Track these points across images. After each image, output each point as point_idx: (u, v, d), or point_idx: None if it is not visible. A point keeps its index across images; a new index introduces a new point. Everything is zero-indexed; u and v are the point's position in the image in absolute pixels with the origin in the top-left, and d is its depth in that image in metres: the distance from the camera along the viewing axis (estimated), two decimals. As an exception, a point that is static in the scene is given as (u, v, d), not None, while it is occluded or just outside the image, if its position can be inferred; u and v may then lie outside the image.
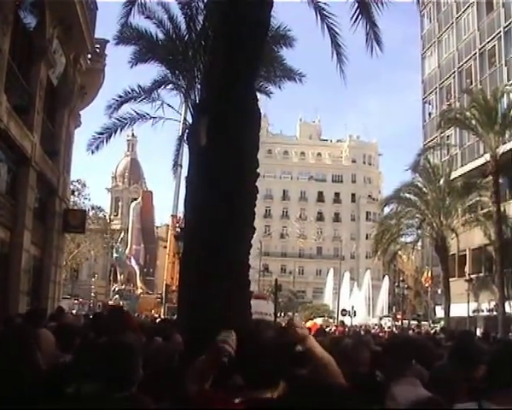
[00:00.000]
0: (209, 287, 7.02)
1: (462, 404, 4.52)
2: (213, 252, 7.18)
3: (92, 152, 27.05)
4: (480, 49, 52.99)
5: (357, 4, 14.21)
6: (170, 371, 5.44)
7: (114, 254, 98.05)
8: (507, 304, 42.23)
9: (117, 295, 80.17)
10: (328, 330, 30.32)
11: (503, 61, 49.00)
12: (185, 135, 26.73)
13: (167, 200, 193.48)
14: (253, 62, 8.00)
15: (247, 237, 7.75)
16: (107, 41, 28.53)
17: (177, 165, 33.99)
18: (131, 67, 26.48)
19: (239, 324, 5.73)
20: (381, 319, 75.50)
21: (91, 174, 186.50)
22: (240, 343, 3.64)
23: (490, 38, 51.30)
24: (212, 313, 6.69)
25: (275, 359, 3.47)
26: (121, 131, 27.11)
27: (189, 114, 25.52)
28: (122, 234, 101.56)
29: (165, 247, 72.70)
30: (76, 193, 62.60)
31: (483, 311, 49.08)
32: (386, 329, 51.56)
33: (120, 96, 26.72)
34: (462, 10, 56.78)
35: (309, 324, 38.02)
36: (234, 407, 3.42)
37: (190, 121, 23.36)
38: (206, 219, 7.53)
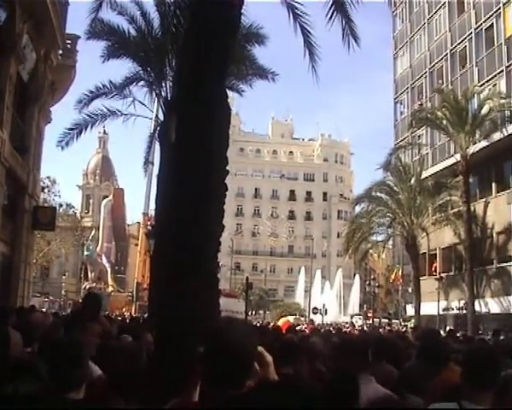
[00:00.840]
0: (178, 285, 6.99)
1: (441, 404, 4.55)
2: (182, 250, 7.15)
3: (62, 148, 26.83)
4: (451, 50, 53.31)
5: (331, 1, 14.21)
6: (136, 371, 5.38)
7: (85, 252, 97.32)
8: (476, 302, 42.64)
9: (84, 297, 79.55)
10: (299, 328, 30.31)
11: (474, 62, 49.34)
12: (156, 132, 26.68)
13: (139, 198, 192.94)
14: (222, 61, 7.98)
15: (216, 234, 7.71)
16: (79, 37, 28.28)
17: (148, 162, 33.87)
18: (103, 62, 26.28)
19: (207, 322, 5.69)
20: (352, 317, 75.75)
21: (62, 171, 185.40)
22: (205, 342, 3.59)
23: (461, 40, 51.62)
24: (180, 312, 6.66)
25: (240, 358, 3.42)
26: (92, 127, 26.94)
27: (160, 111, 25.40)
28: (93, 232, 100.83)
29: (137, 245, 72.57)
30: (46, 190, 62.14)
31: (453, 309, 49.45)
32: (357, 327, 51.74)
33: (91, 92, 26.53)
34: (434, 11, 57.05)
35: (281, 321, 38.16)
36: None
37: (162, 119, 23.29)
38: (175, 217, 7.50)
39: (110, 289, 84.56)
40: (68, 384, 4.37)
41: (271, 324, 41.89)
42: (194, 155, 7.36)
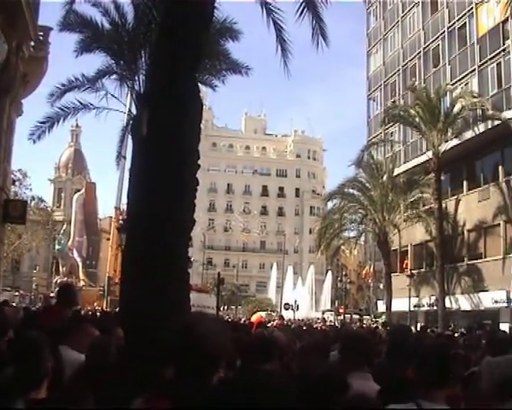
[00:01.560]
0: (148, 280, 6.96)
1: (399, 405, 4.55)
2: (153, 244, 7.12)
3: (34, 141, 26.53)
4: (424, 49, 53.60)
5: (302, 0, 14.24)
6: (106, 365, 5.34)
7: (56, 246, 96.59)
8: (447, 299, 42.99)
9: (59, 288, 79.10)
10: (270, 324, 30.37)
11: (447, 61, 49.66)
12: (129, 126, 26.52)
13: (111, 192, 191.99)
14: (194, 55, 7.95)
15: (187, 229, 7.68)
16: (51, 29, 28.05)
17: (120, 156, 33.66)
18: (76, 56, 26.05)
19: (178, 317, 5.66)
20: (323, 313, 75.99)
21: (34, 165, 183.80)
22: (175, 337, 3.57)
23: (434, 38, 51.93)
24: (150, 307, 6.64)
25: (209, 353, 3.41)
26: (64, 120, 26.66)
27: (133, 105, 25.25)
28: (65, 226, 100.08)
29: (109, 239, 72.10)
30: (17, 183, 61.57)
31: (424, 305, 49.81)
32: (328, 323, 51.91)
33: (63, 85, 26.26)
34: (408, 9, 57.33)
35: (254, 317, 38.19)
36: None
37: (135, 113, 23.15)
38: (146, 212, 7.46)
39: (81, 283, 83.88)
40: (27, 383, 4.28)
41: (243, 319, 41.94)
42: (165, 149, 7.33)
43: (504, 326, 33.43)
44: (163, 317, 6.16)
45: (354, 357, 5.71)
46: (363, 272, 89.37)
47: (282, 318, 43.01)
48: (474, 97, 42.79)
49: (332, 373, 4.34)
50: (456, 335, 21.59)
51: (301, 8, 14.21)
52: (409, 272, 49.98)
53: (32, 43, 27.40)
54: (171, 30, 8.14)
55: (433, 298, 46.12)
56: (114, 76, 26.73)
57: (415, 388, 4.63)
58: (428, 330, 29.62)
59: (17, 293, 65.81)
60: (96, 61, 27.16)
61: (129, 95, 26.79)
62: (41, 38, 28.26)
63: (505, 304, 40.85)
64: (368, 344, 6.07)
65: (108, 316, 15.57)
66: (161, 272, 6.95)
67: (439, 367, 4.50)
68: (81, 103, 26.36)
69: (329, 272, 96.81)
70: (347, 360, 5.78)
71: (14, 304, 39.06)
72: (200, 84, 31.63)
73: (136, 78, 24.09)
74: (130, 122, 25.15)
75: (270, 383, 2.46)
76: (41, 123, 26.29)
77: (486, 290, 43.20)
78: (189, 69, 7.74)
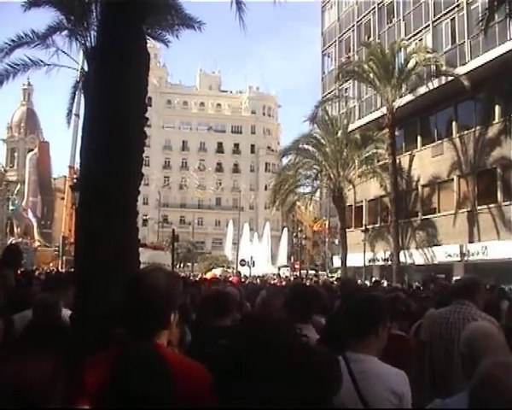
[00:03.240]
0: (99, 238, 6.88)
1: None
2: (101, 201, 7.03)
3: (-17, 98, 26.09)
4: (378, 4, 53.51)
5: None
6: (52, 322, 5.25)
7: (10, 207, 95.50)
8: (401, 253, 43.51)
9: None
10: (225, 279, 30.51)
11: (401, 17, 49.70)
12: (81, 83, 26.17)
13: (65, 151, 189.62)
14: (139, 6, 7.77)
15: (135, 182, 7.60)
16: (-1, -17, 27.40)
17: (71, 114, 33.28)
18: (24, 10, 25.53)
19: (128, 272, 5.61)
20: (279, 269, 76.46)
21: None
22: (125, 291, 3.48)
23: (388, -7, 51.94)
24: (101, 266, 6.57)
25: (160, 304, 3.34)
26: (14, 77, 26.28)
27: (86, 62, 24.86)
28: (18, 186, 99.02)
29: (63, 198, 71.58)
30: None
31: (379, 260, 50.37)
32: (283, 278, 52.24)
33: (13, 41, 25.77)
34: (362, -36, 57.12)
35: (209, 275, 38.33)
36: None
37: (87, 70, 22.79)
38: (95, 168, 7.36)
39: (36, 243, 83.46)
40: None
41: (199, 276, 42.02)
42: (110, 103, 7.20)
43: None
44: (113, 275, 6.10)
45: (297, 308, 5.85)
46: (317, 226, 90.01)
47: (239, 274, 43.23)
48: (428, 53, 42.91)
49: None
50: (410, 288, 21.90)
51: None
52: (364, 228, 50.40)
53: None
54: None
55: (388, 253, 46.63)
56: (66, 32, 26.30)
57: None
58: (385, 284, 30.12)
59: (-31, 254, 64.96)
60: (47, 17, 26.57)
61: (81, 51, 26.38)
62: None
63: (458, 258, 41.51)
64: (310, 296, 6.19)
65: (58, 276, 15.44)
66: (111, 228, 6.86)
67: (358, 319, 4.56)
68: (31, 60, 25.94)
69: (285, 229, 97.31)
70: (291, 311, 5.90)
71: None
72: (153, 41, 31.43)
73: (88, 34, 23.68)
74: (82, 79, 24.82)
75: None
76: (-11, 80, 25.82)
77: (440, 245, 43.84)
78: (134, 20, 7.58)
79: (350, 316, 4.68)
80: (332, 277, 50.39)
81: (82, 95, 27.76)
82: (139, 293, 3.32)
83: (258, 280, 40.55)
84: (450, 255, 42.33)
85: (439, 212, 45.06)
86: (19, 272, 12.24)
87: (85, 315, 5.80)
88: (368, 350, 4.46)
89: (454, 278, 29.34)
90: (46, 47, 25.94)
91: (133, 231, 7.65)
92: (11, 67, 25.88)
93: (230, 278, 32.43)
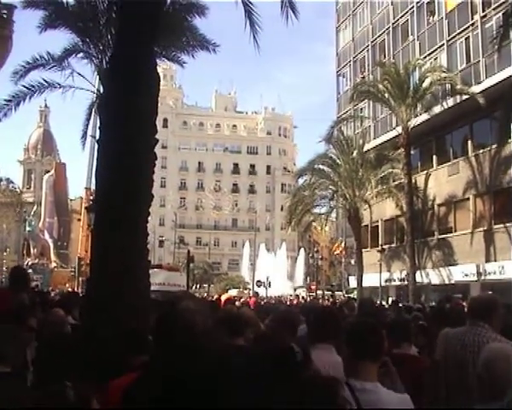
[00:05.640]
0: (110, 259, 6.89)
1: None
2: (112, 222, 7.05)
3: (0, 119, 26.26)
4: (393, 24, 53.56)
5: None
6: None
7: (27, 228, 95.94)
8: (417, 273, 43.25)
9: (30, 270, 78.58)
10: (241, 301, 30.44)
11: (416, 36, 49.70)
12: (95, 105, 26.32)
13: (82, 172, 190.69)
14: (150, 27, 7.82)
15: (146, 203, 7.62)
16: (15, 7, 27.65)
17: (86, 135, 33.42)
18: (40, 32, 25.71)
19: (139, 294, 5.63)
20: (295, 289, 76.22)
21: (4, 148, 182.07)
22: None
23: (403, 13, 51.89)
24: (111, 286, 6.58)
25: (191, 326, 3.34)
26: (30, 99, 26.34)
27: (101, 83, 24.97)
28: (35, 207, 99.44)
29: (79, 220, 71.80)
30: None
31: (395, 280, 50.12)
32: (301, 299, 52.12)
33: (28, 63, 25.96)
34: (376, -16, 57.23)
35: (224, 296, 38.19)
36: None
37: (102, 91, 22.89)
38: (107, 189, 7.38)
39: (53, 264, 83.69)
40: None
41: (215, 297, 41.94)
42: (121, 124, 7.24)
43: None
44: (123, 294, 6.10)
45: (318, 330, 5.74)
46: (334, 247, 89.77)
47: (256, 294, 43.12)
48: (443, 72, 42.85)
49: (291, 346, 4.31)
50: (426, 308, 21.72)
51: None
52: (380, 248, 50.21)
53: (-4, 22, 26.97)
54: (126, 3, 8.04)
55: (404, 273, 46.36)
56: (81, 54, 26.49)
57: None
58: (400, 305, 29.93)
59: (-13, 275, 65.23)
60: (64, 40, 26.77)
61: (96, 73, 26.54)
62: (4, 16, 27.79)
63: (475, 277, 41.21)
64: (332, 318, 6.07)
65: (72, 295, 15.49)
66: (121, 249, 6.87)
67: (361, 342, 4.48)
68: (47, 82, 26.08)
69: (302, 249, 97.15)
70: (312, 334, 5.81)
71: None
72: (168, 62, 31.55)
73: (103, 56, 23.81)
74: (97, 101, 24.96)
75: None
76: (6, 102, 25.98)
77: (456, 264, 43.55)
78: (145, 42, 7.63)
79: (351, 341, 4.62)
80: (349, 297, 50.16)
81: (97, 117, 27.92)
82: (175, 315, 3.32)
83: (273, 301, 40.44)
84: (466, 275, 42.02)
85: (456, 231, 44.77)
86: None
87: (94, 336, 5.79)
88: (371, 376, 4.37)
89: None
90: (62, 69, 26.12)
91: (143, 251, 7.66)
92: (27, 88, 26.03)
93: (243, 299, 32.36)
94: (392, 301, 26.18)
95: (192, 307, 3.32)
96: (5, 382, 4.28)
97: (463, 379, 5.83)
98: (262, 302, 32.09)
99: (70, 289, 48.34)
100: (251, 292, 61.51)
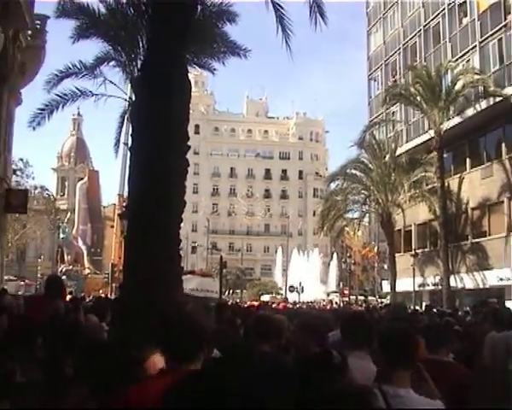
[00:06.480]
0: (142, 265, 6.94)
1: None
2: (146, 229, 7.11)
3: (34, 128, 26.53)
4: (424, 26, 53.24)
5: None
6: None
7: (61, 235, 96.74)
8: (451, 278, 42.91)
9: (64, 276, 79.11)
10: (274, 306, 30.56)
11: (447, 38, 49.34)
12: (127, 113, 26.55)
13: (115, 179, 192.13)
14: (181, 35, 7.87)
15: (178, 211, 7.67)
16: (48, 17, 27.92)
17: (118, 143, 33.66)
18: (73, 43, 25.98)
19: (171, 300, 5.69)
20: (328, 295, 76.04)
21: (37, 155, 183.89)
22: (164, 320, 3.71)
23: (434, 15, 51.56)
24: (145, 292, 6.63)
25: (194, 334, 3.65)
26: (63, 107, 26.63)
27: (133, 91, 25.15)
28: (69, 214, 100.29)
29: (113, 226, 72.23)
30: (18, 172, 61.60)
31: (428, 285, 49.71)
32: (334, 304, 52.04)
33: (61, 72, 26.25)
34: (407, -13, 56.95)
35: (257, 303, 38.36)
36: None
37: (134, 99, 23.03)
38: (140, 196, 7.44)
39: (87, 271, 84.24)
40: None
41: (248, 303, 42.02)
42: (153, 131, 7.30)
43: (510, 304, 33.32)
44: (155, 300, 6.14)
45: (353, 337, 5.70)
46: (366, 252, 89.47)
47: (286, 300, 43.12)
48: (476, 74, 42.52)
49: (329, 354, 4.28)
50: (459, 313, 21.57)
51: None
52: (413, 252, 49.90)
53: (29, 32, 27.23)
54: (157, 11, 8.10)
55: (438, 277, 46.00)
56: (113, 63, 26.75)
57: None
58: (434, 310, 29.72)
59: (22, 282, 65.78)
60: (95, 49, 27.06)
61: (128, 81, 26.75)
62: (38, 26, 28.08)
63: (510, 282, 40.74)
64: (366, 324, 6.02)
65: (104, 301, 15.68)
66: (156, 256, 6.92)
67: (400, 349, 4.43)
68: (79, 90, 26.35)
69: (335, 254, 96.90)
70: (347, 340, 5.77)
71: (19, 293, 39.12)
72: (200, 69, 31.73)
73: (135, 64, 24.00)
74: (129, 108, 25.16)
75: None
76: (40, 110, 26.27)
77: (491, 268, 43.07)
78: (177, 49, 7.67)
79: (384, 347, 4.58)
80: (382, 302, 49.92)
81: (130, 124, 28.11)
82: (182, 323, 3.68)
83: (304, 306, 40.43)
84: (501, 279, 41.49)
85: (490, 235, 44.30)
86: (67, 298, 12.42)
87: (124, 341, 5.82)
88: (404, 382, 4.33)
89: (506, 302, 28.81)
90: (94, 77, 26.40)
91: (175, 258, 7.69)
92: (60, 97, 26.30)
93: (274, 305, 32.37)
94: (426, 306, 26.01)
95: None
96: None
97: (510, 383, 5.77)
98: (293, 307, 32.12)
99: (103, 295, 48.68)
100: (283, 297, 61.43)
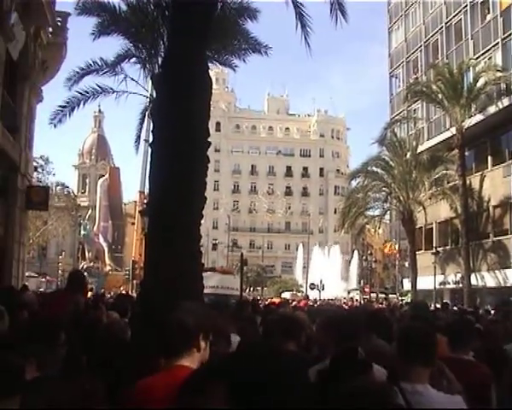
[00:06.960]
0: (163, 262, 6.98)
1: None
2: (167, 226, 7.15)
3: (55, 126, 26.72)
4: (446, 23, 53.01)
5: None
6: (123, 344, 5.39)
7: (82, 232, 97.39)
8: (472, 276, 42.72)
9: (85, 273, 79.38)
10: (295, 303, 30.55)
11: (469, 35, 49.08)
12: (149, 109, 26.66)
13: (136, 176, 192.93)
14: (201, 31, 7.91)
15: (198, 208, 7.70)
16: (69, 14, 28.00)
17: (139, 140, 33.79)
18: (94, 39, 26.17)
19: (192, 297, 5.72)
20: (349, 292, 75.90)
21: (59, 152, 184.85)
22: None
23: (456, 12, 51.31)
24: (165, 288, 6.67)
25: (179, 330, 3.69)
26: (84, 104, 26.80)
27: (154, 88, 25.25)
28: (90, 211, 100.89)
29: (134, 223, 72.47)
30: (40, 169, 61.95)
31: (449, 283, 49.53)
32: (355, 302, 51.96)
33: (82, 69, 26.41)
34: (429, -16, 56.71)
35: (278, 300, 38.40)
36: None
37: (154, 96, 23.10)
38: (160, 193, 7.49)
39: (107, 268, 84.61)
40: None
41: (268, 300, 42.03)
42: (174, 128, 7.33)
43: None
44: (176, 297, 6.17)
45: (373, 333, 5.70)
46: (387, 249, 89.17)
47: (307, 297, 43.08)
48: (498, 71, 42.29)
49: (354, 351, 4.30)
50: (480, 311, 21.46)
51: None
52: (434, 250, 49.71)
53: (50, 29, 27.34)
54: (178, 8, 8.14)
55: (459, 275, 45.82)
56: (134, 59, 26.86)
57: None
58: (455, 308, 29.58)
59: (44, 279, 66.23)
60: (116, 46, 27.20)
61: (149, 78, 26.86)
62: (59, 23, 28.17)
63: (532, 280, 40.56)
64: (387, 322, 6.01)
65: (126, 298, 15.77)
66: (176, 253, 6.95)
67: (419, 347, 4.42)
68: (100, 87, 26.50)
69: (356, 252, 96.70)
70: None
71: (41, 290, 39.41)
72: (221, 66, 31.80)
73: (156, 61, 24.10)
74: (150, 105, 25.26)
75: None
76: (61, 107, 26.46)
77: (513, 267, 42.86)
78: (198, 45, 7.70)
79: (403, 345, 4.57)
80: (402, 300, 49.75)
81: (150, 121, 28.20)
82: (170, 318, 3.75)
83: (325, 303, 40.36)
84: (523, 278, 41.35)
85: (511, 233, 44.07)
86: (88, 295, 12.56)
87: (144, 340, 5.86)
88: (422, 379, 4.32)
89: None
90: (115, 74, 26.52)
91: (196, 255, 7.72)
92: (81, 94, 26.45)
93: (295, 303, 32.33)
94: (442, 304, 25.85)
95: None
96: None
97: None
98: (314, 305, 32.06)
99: (124, 292, 48.88)
100: (304, 295, 61.32)
